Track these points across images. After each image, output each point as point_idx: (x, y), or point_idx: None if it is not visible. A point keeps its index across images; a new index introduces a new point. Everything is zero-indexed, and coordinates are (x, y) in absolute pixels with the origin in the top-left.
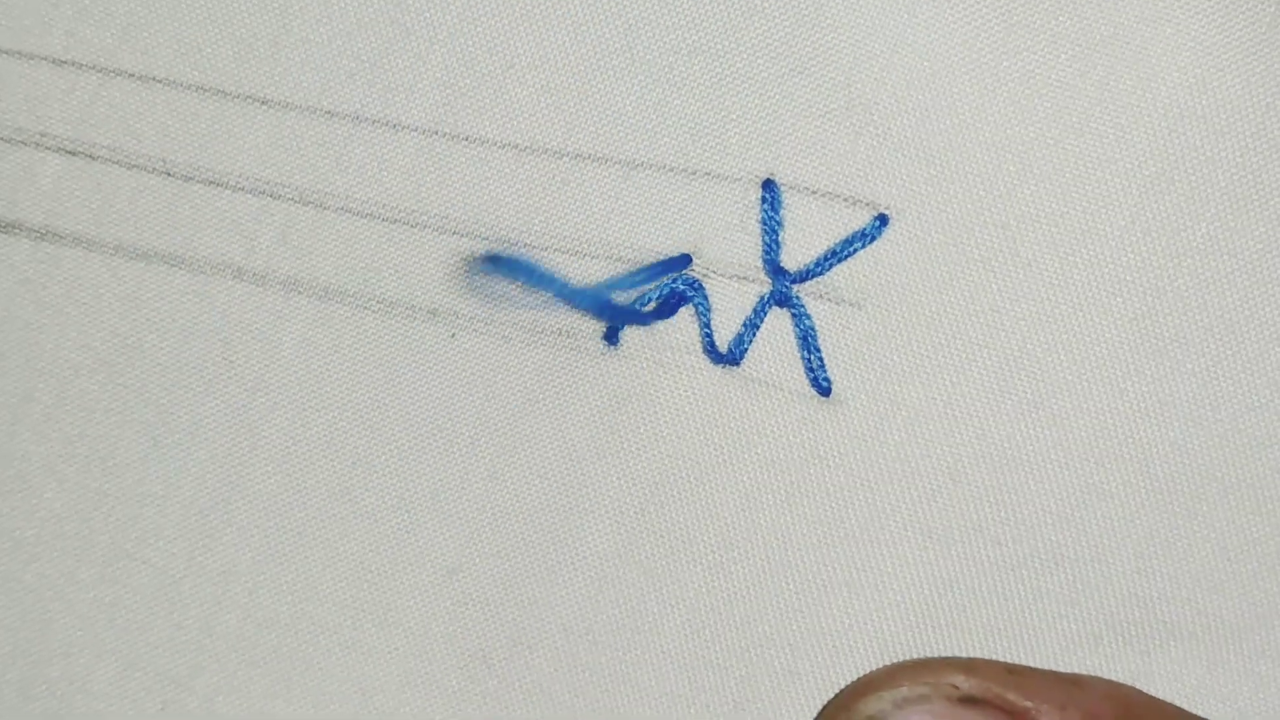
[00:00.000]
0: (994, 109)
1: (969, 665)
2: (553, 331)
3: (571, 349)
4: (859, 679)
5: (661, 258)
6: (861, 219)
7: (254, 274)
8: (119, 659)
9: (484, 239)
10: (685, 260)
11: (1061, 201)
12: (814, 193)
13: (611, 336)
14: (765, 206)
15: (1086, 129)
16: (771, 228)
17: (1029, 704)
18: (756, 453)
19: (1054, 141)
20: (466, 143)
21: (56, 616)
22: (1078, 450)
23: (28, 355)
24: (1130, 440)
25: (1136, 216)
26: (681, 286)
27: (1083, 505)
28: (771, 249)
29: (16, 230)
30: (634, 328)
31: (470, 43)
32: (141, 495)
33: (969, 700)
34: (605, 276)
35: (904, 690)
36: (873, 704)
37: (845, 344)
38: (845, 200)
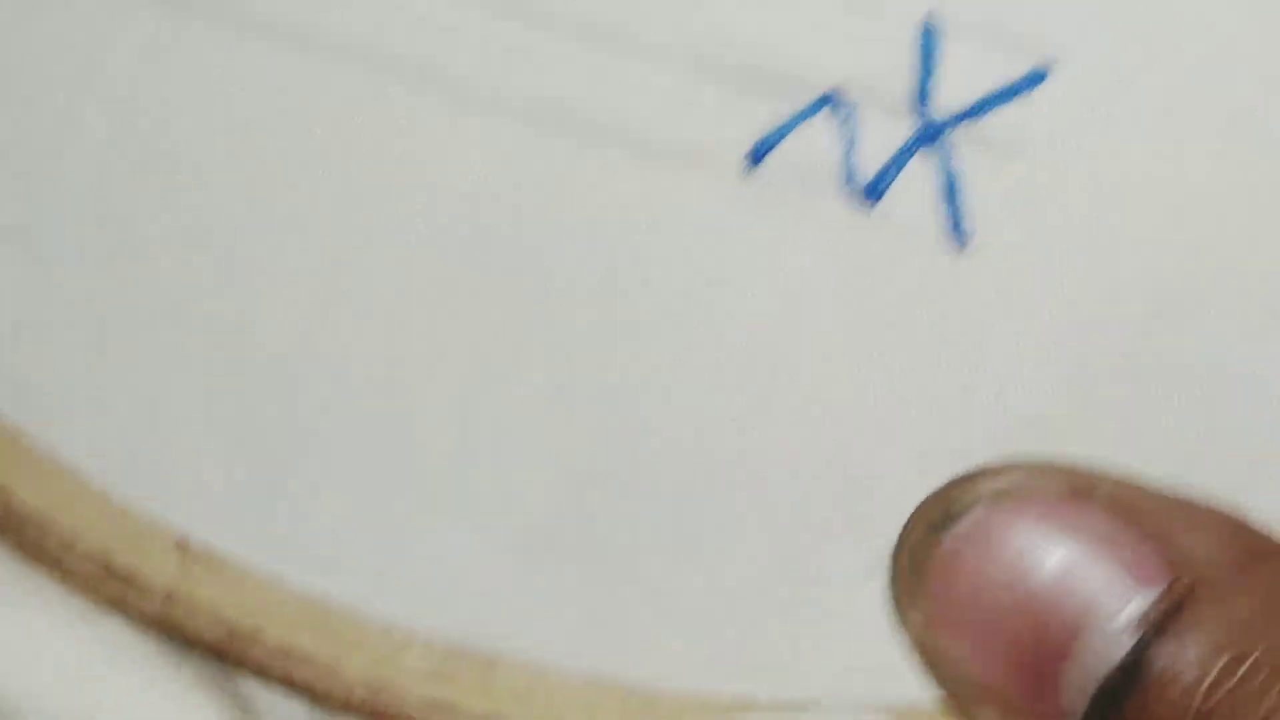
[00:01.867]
0: None
1: (1077, 467)
2: (691, 150)
3: (710, 168)
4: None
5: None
6: (1027, 62)
7: (387, 60)
8: (227, 439)
9: (637, 58)
10: (833, 95)
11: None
12: (977, 32)
13: (757, 156)
14: (923, 43)
15: None
16: (927, 66)
17: (1141, 506)
18: (885, 295)
19: None
20: None
21: (167, 393)
22: (1241, 303)
23: (147, 129)
24: None
25: None
26: (830, 105)
27: (1249, 358)
28: (924, 88)
29: None
30: (780, 154)
31: None
32: (262, 278)
33: (1082, 495)
34: (753, 99)
35: (1018, 475)
36: (978, 487)
37: (993, 191)
38: (1011, 41)
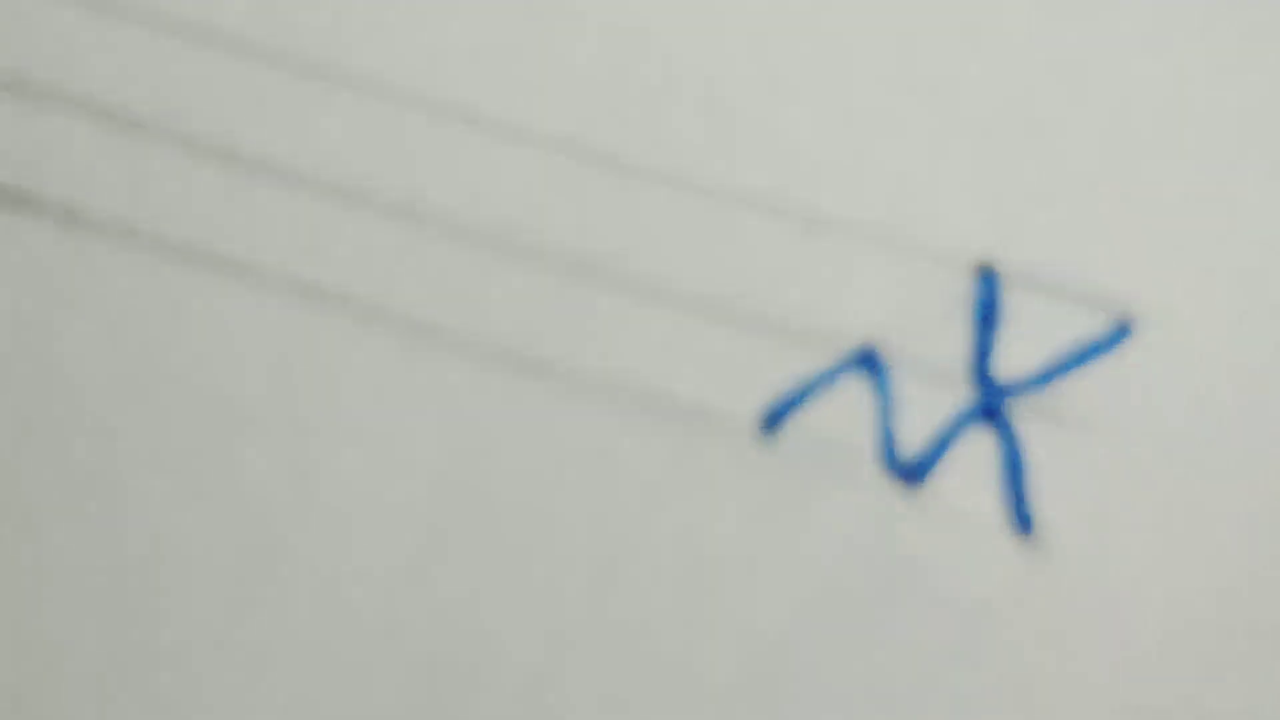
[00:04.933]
0: None
1: None
2: (693, 409)
3: (714, 433)
4: None
5: (836, 342)
6: (1099, 323)
7: (328, 295)
8: None
9: (632, 289)
10: (868, 350)
11: None
12: (1042, 285)
13: (772, 424)
14: (980, 297)
15: None
16: (986, 324)
17: None
18: (930, 589)
19: None
20: (616, 168)
21: (60, 670)
22: None
23: (38, 363)
24: None
25: None
26: (860, 369)
27: None
28: (982, 350)
29: (38, 206)
30: (799, 420)
31: (619, 50)
32: (169, 549)
33: None
34: (768, 352)
35: None
36: None
37: (1060, 475)
38: (1081, 298)
